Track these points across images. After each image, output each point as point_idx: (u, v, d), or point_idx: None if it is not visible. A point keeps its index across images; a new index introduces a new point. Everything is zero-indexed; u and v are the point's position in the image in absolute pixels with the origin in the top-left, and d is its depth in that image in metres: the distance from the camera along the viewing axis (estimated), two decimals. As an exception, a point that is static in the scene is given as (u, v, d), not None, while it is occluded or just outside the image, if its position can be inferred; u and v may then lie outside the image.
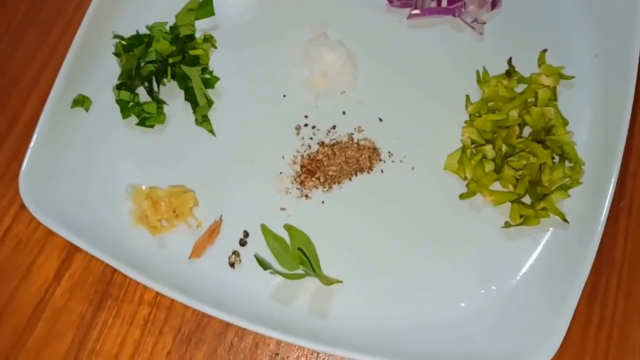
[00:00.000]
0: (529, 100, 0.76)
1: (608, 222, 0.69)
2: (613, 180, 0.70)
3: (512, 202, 0.72)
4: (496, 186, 0.74)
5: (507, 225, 0.72)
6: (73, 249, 0.73)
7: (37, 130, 0.72)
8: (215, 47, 0.80)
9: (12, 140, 0.79)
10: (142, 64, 0.77)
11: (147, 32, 0.79)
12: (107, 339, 0.70)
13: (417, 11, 0.81)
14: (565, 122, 0.75)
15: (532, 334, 0.66)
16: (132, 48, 0.77)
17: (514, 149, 0.73)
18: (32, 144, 0.72)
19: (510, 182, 0.73)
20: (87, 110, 0.76)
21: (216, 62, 0.80)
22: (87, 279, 0.73)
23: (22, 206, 0.71)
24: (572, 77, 0.77)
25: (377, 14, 0.82)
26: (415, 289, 0.70)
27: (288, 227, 0.72)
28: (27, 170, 0.71)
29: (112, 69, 0.78)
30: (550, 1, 0.82)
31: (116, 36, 0.78)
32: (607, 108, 0.75)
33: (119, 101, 0.76)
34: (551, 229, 0.71)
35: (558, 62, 0.78)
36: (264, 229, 0.72)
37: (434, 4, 0.81)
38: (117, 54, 0.78)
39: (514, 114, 0.74)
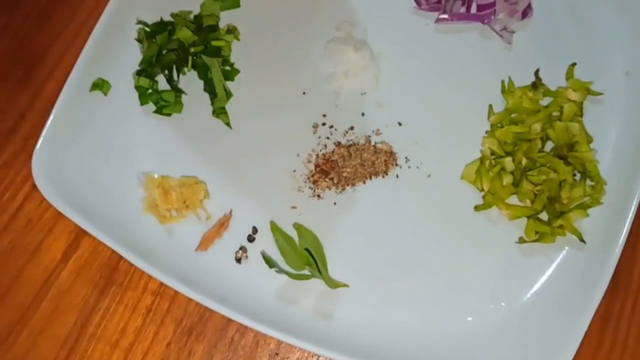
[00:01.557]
0: (554, 114, 0.74)
1: (626, 245, 0.67)
2: (635, 202, 0.68)
3: (529, 217, 0.70)
4: (513, 200, 0.72)
5: (521, 240, 0.70)
6: (82, 232, 0.73)
7: (53, 111, 0.72)
8: (238, 39, 0.79)
9: (32, 117, 0.79)
10: (164, 52, 0.76)
11: (171, 20, 0.79)
12: (108, 325, 0.70)
13: (445, 15, 0.79)
14: (589, 139, 0.72)
15: (539, 354, 0.64)
16: (154, 35, 0.76)
17: (535, 163, 0.71)
18: (47, 125, 0.72)
19: (528, 197, 0.71)
20: (105, 94, 0.76)
21: (238, 55, 0.79)
22: (94, 263, 0.73)
23: (35, 185, 0.71)
24: (600, 94, 0.75)
25: (404, 16, 0.80)
26: (422, 298, 0.69)
27: (297, 226, 0.71)
28: (41, 151, 0.71)
29: (134, 55, 0.78)
30: (583, 14, 0.79)
31: (140, 22, 0.78)
32: (635, 128, 0.73)
33: (137, 87, 0.76)
34: (567, 247, 0.70)
35: (587, 77, 0.75)
36: (273, 226, 0.71)
37: (463, 10, 0.79)
38: (139, 40, 0.78)
39: (537, 127, 0.72)
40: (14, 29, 0.83)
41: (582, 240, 0.69)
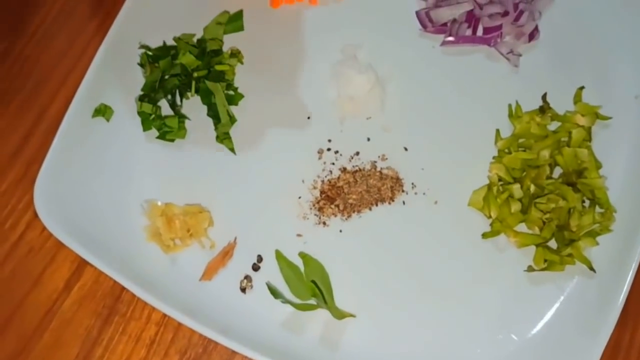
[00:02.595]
0: (562, 139, 0.73)
1: (638, 274, 0.66)
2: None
3: (537, 245, 0.69)
4: (521, 227, 0.71)
5: (530, 269, 0.69)
6: (84, 261, 0.71)
7: (55, 139, 0.71)
8: (242, 62, 0.78)
9: (35, 140, 0.78)
10: (167, 77, 0.75)
11: (174, 44, 0.78)
12: (111, 357, 0.69)
13: (451, 38, 0.78)
14: (598, 165, 0.71)
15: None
16: (157, 59, 0.76)
17: (543, 190, 0.70)
18: (49, 153, 0.71)
19: (536, 225, 0.70)
20: (108, 120, 0.75)
21: (241, 79, 0.78)
22: (97, 293, 0.72)
23: (37, 213, 0.70)
24: (609, 118, 0.74)
25: (409, 38, 0.80)
26: (429, 329, 0.68)
27: (303, 255, 0.70)
28: (42, 180, 0.70)
29: (136, 80, 0.77)
30: (591, 37, 0.78)
31: (142, 46, 0.77)
32: (644, 153, 0.72)
33: (140, 113, 0.75)
34: (577, 276, 0.69)
35: (595, 101, 0.75)
36: (278, 255, 0.70)
37: (469, 32, 0.78)
38: (142, 65, 0.77)
39: (546, 154, 0.71)
40: (17, 52, 0.82)
41: (591, 269, 0.68)
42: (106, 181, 0.73)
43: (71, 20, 0.83)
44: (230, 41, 0.80)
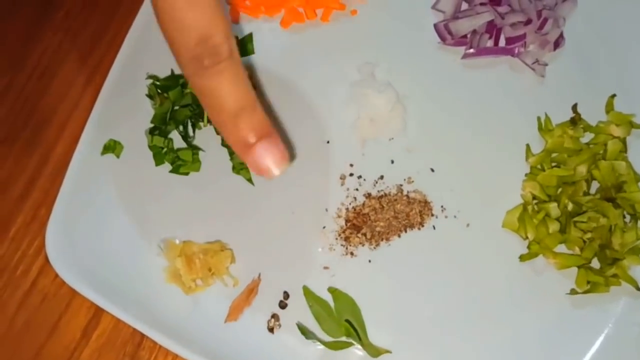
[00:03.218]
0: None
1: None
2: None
3: (579, 266, 0.66)
4: (561, 247, 0.67)
5: (573, 292, 0.66)
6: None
7: (64, 180, 0.68)
8: (255, 87, 0.75)
9: (41, 183, 0.74)
10: (177, 108, 0.72)
11: (180, 70, 0.74)
12: (137, 408, 0.65)
13: (472, 50, 0.74)
14: (637, 178, 0.68)
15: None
16: (166, 90, 0.72)
17: (581, 208, 0.67)
18: (59, 195, 0.67)
19: (576, 244, 0.66)
20: (118, 156, 0.72)
21: (255, 104, 0.75)
22: (116, 340, 0.68)
23: (49, 260, 0.67)
24: (645, 126, 0.70)
25: (429, 52, 0.76)
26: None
27: (332, 290, 0.67)
28: (53, 225, 0.67)
29: (145, 112, 0.73)
30: (618, 42, 0.74)
31: (150, 77, 0.73)
32: (684, 161, 0.69)
33: (152, 147, 0.71)
34: (623, 298, 0.65)
35: (628, 109, 0.71)
36: (306, 292, 0.67)
37: (490, 43, 0.75)
38: (150, 96, 0.73)
39: (583, 169, 0.67)
40: (18, 89, 0.78)
41: (639, 289, 0.64)
42: (119, 221, 0.70)
43: (72, 54, 0.79)
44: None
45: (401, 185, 0.71)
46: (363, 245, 0.69)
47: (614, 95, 0.72)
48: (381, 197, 0.71)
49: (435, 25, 0.75)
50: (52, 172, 0.74)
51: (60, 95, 0.78)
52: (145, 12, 0.75)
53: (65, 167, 0.73)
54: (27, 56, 0.79)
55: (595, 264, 0.66)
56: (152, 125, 0.72)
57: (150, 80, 0.73)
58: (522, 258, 0.67)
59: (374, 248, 0.69)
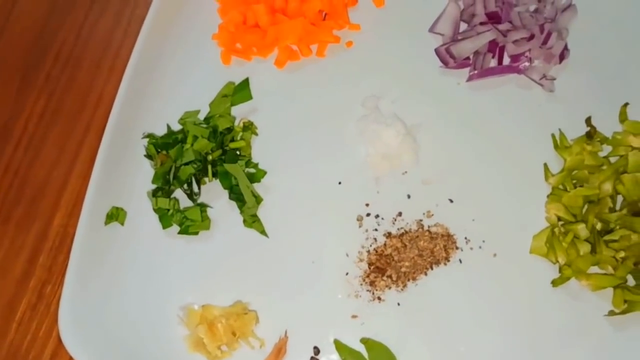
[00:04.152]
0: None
1: None
2: None
3: (615, 287, 0.63)
4: (593, 268, 0.65)
5: (611, 313, 0.64)
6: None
7: (71, 256, 0.65)
8: (256, 134, 0.72)
9: (43, 261, 0.71)
10: (179, 165, 0.68)
11: (176, 124, 0.71)
12: None
13: (476, 72, 0.72)
14: (662, 188, 0.66)
15: None
16: (166, 148, 0.69)
17: (609, 225, 0.65)
18: (67, 274, 0.64)
19: (610, 264, 0.64)
20: (122, 223, 0.68)
21: (259, 151, 0.72)
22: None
23: (61, 340, 0.63)
24: (662, 133, 0.68)
25: (432, 78, 0.74)
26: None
27: (365, 341, 0.64)
28: (65, 305, 0.64)
29: (145, 172, 0.70)
30: (625, 46, 0.73)
31: (147, 136, 0.70)
32: None
33: (157, 210, 0.68)
34: (664, 314, 0.63)
35: (642, 116, 0.69)
36: (338, 345, 0.64)
37: (494, 63, 0.73)
38: (149, 156, 0.70)
39: (608, 187, 0.65)
40: (5, 162, 0.74)
41: (678, 303, 0.62)
42: (132, 293, 0.67)
43: (58, 117, 0.76)
44: (238, 112, 0.73)
45: (421, 220, 0.69)
46: (390, 288, 0.66)
47: (626, 104, 0.70)
48: (402, 235, 0.68)
49: (436, 50, 0.73)
50: (53, 247, 0.71)
51: (52, 163, 0.74)
52: (133, 67, 0.71)
53: (66, 240, 0.71)
54: (12, 126, 0.75)
55: (631, 282, 0.64)
56: (154, 185, 0.69)
57: (148, 140, 0.70)
58: (555, 283, 0.65)
59: (402, 290, 0.66)
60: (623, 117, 0.70)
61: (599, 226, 0.65)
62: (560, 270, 0.65)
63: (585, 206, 0.66)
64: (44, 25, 0.80)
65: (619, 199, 0.67)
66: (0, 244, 0.71)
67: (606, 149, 0.69)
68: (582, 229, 0.65)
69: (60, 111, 0.76)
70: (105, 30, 0.79)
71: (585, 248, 0.65)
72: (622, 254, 0.64)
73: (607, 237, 0.64)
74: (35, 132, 0.75)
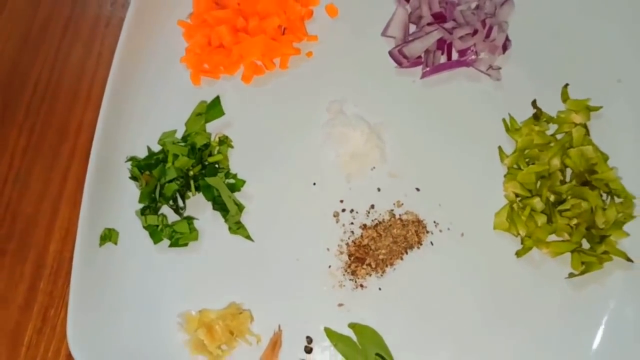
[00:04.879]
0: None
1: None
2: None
3: (572, 251, 0.70)
4: (551, 236, 0.72)
5: (571, 275, 0.70)
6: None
7: (72, 280, 0.68)
8: (232, 146, 0.77)
9: (43, 287, 0.75)
10: (163, 183, 0.73)
11: (156, 145, 0.76)
12: None
13: (428, 69, 0.78)
14: (605, 157, 0.73)
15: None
16: (149, 169, 0.73)
17: (562, 196, 0.71)
18: (70, 298, 0.68)
19: (565, 231, 0.71)
20: (115, 243, 0.72)
21: (236, 162, 0.76)
22: (156, 423, 0.69)
23: (69, 357, 0.67)
24: (600, 108, 0.75)
25: (388, 79, 0.79)
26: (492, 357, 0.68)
27: (352, 326, 0.69)
28: (73, 327, 0.67)
29: (131, 193, 0.74)
30: (560, 32, 0.80)
31: (131, 159, 0.74)
32: (640, 131, 0.74)
33: (147, 227, 0.72)
34: (617, 271, 0.70)
35: (582, 95, 0.76)
36: (328, 332, 0.69)
37: (444, 59, 0.79)
38: (134, 178, 0.74)
39: (556, 161, 0.72)
40: (-4, 197, 0.78)
41: (629, 259, 0.69)
42: (133, 305, 0.71)
43: (41, 150, 0.80)
44: (212, 128, 0.78)
45: (392, 210, 0.74)
46: (370, 275, 0.72)
47: (567, 85, 0.77)
48: (376, 225, 0.74)
49: (390, 52, 0.79)
50: (52, 272, 0.75)
51: (40, 194, 0.78)
52: (110, 96, 0.76)
53: (63, 264, 0.75)
54: (-4, 164, 0.79)
55: (586, 245, 0.71)
56: (141, 204, 0.74)
57: (131, 163, 0.74)
58: (519, 254, 0.71)
59: (381, 275, 0.72)
60: (565, 97, 0.77)
61: (552, 198, 0.72)
62: (522, 242, 0.72)
63: (539, 181, 0.73)
64: (17, 62, 0.83)
65: (568, 171, 0.74)
66: (0, 276, 0.75)
67: (552, 128, 0.76)
68: (537, 203, 0.71)
69: (43, 143, 0.80)
70: (78, 62, 0.83)
71: (542, 219, 0.71)
72: (575, 221, 0.70)
73: (560, 207, 0.71)
74: (20, 166, 0.79)
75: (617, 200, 0.72)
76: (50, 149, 0.80)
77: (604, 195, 0.72)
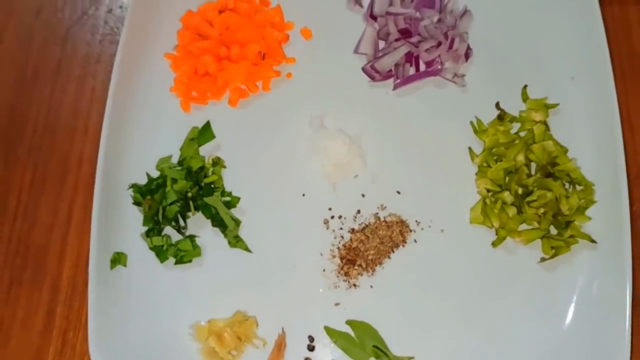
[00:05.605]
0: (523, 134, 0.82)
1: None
2: (624, 189, 0.76)
3: (542, 238, 0.77)
4: (522, 226, 0.79)
5: (542, 260, 0.77)
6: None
7: (89, 304, 0.74)
8: (224, 167, 0.83)
9: (60, 311, 0.80)
10: (165, 206, 0.79)
11: (154, 170, 0.81)
12: None
13: (399, 81, 0.85)
14: (565, 150, 0.80)
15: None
16: (150, 194, 0.79)
17: (528, 189, 0.79)
18: (89, 320, 0.73)
19: (534, 220, 0.78)
20: (125, 265, 0.78)
21: (230, 181, 0.82)
22: None
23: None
24: (557, 105, 0.83)
25: (364, 92, 0.86)
26: (486, 340, 0.75)
27: (349, 322, 0.76)
28: (94, 346, 0.72)
29: (136, 217, 0.80)
30: (516, 38, 0.87)
31: (132, 186, 0.80)
32: (594, 123, 0.81)
33: (153, 248, 0.78)
34: (583, 251, 0.77)
35: (540, 94, 0.83)
36: (328, 331, 0.76)
37: (413, 70, 0.86)
38: (137, 203, 0.80)
39: (521, 157, 0.79)
40: (8, 232, 0.83)
41: (592, 241, 0.76)
42: (146, 321, 0.76)
43: (46, 184, 0.85)
44: (205, 150, 0.84)
45: (377, 213, 0.81)
46: (362, 275, 0.79)
47: (526, 86, 0.84)
48: (363, 228, 0.80)
49: (362, 68, 0.86)
50: (67, 297, 0.80)
51: (49, 225, 0.83)
52: (107, 129, 0.81)
53: (77, 289, 0.80)
54: (6, 201, 0.84)
55: (554, 231, 0.78)
56: (145, 227, 0.79)
57: (132, 189, 0.80)
58: (494, 244, 0.79)
59: (372, 274, 0.79)
60: (525, 97, 0.84)
61: (520, 191, 0.79)
62: (496, 233, 0.79)
63: (507, 177, 0.80)
64: (15, 105, 0.88)
65: (533, 166, 0.81)
66: (18, 304, 0.80)
67: (516, 127, 0.83)
68: (507, 196, 0.78)
69: (47, 178, 0.85)
70: (73, 99, 0.88)
71: (512, 211, 0.78)
72: (542, 210, 0.78)
73: (528, 199, 0.78)
74: (28, 200, 0.84)
75: (578, 188, 0.79)
76: (55, 182, 0.85)
77: (567, 185, 0.79)
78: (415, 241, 0.80)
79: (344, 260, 0.79)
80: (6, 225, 0.83)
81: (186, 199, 0.79)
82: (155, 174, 0.82)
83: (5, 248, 0.82)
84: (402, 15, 0.85)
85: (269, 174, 0.83)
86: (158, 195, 0.79)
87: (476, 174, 0.81)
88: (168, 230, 0.80)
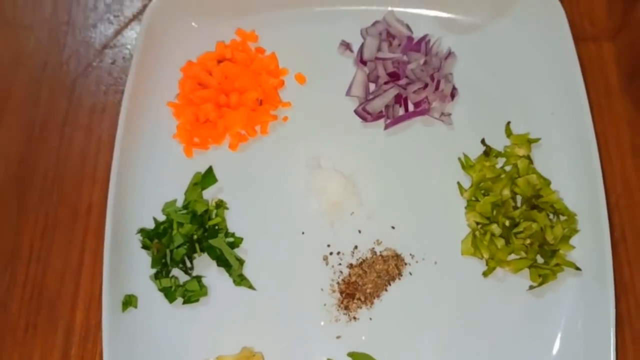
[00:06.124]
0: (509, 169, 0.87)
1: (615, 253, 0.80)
2: (604, 217, 0.80)
3: (529, 267, 0.82)
4: (511, 255, 0.84)
5: (531, 287, 0.82)
6: None
7: (104, 345, 0.77)
8: (227, 209, 0.87)
9: (74, 352, 0.83)
10: (172, 249, 0.83)
11: (160, 214, 0.86)
12: None
13: (390, 121, 0.90)
14: (548, 182, 0.85)
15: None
16: (158, 237, 0.83)
17: (515, 220, 0.83)
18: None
19: (522, 250, 0.83)
20: (135, 307, 0.82)
21: (233, 222, 0.87)
22: None
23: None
24: (539, 140, 0.88)
25: (357, 133, 0.91)
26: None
27: (351, 354, 0.80)
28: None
29: (144, 260, 0.84)
30: (498, 77, 0.92)
31: (141, 230, 0.84)
32: (576, 156, 0.86)
33: (162, 289, 0.82)
34: (569, 279, 0.82)
35: (522, 129, 0.89)
36: (332, 363, 0.80)
37: (402, 111, 0.91)
38: (145, 247, 0.84)
39: (507, 192, 0.84)
40: (22, 278, 0.87)
41: (577, 268, 0.81)
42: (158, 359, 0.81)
43: (57, 229, 0.89)
44: (208, 194, 0.88)
45: (373, 248, 0.86)
46: (361, 308, 0.83)
47: (509, 122, 0.89)
48: (361, 263, 0.85)
49: (355, 111, 0.91)
50: (80, 339, 0.84)
51: (61, 270, 0.87)
52: (115, 177, 0.85)
53: (90, 330, 0.84)
54: (19, 248, 0.88)
55: (540, 260, 0.83)
56: (154, 269, 0.83)
57: (141, 234, 0.84)
58: (485, 274, 0.83)
59: (370, 307, 0.83)
60: (508, 133, 0.89)
61: (507, 223, 0.83)
62: (486, 263, 0.83)
63: (494, 210, 0.84)
64: (25, 157, 0.92)
65: (518, 198, 0.86)
66: (35, 347, 0.83)
67: (501, 161, 0.88)
68: (495, 228, 0.83)
69: (58, 225, 0.89)
70: (80, 148, 0.93)
71: (501, 242, 0.83)
72: (528, 241, 0.82)
73: (515, 230, 0.83)
74: (41, 247, 0.88)
75: (562, 218, 0.84)
76: (65, 229, 0.89)
77: (551, 215, 0.84)
78: (411, 274, 0.84)
79: (343, 295, 0.83)
80: (21, 271, 0.87)
81: (192, 241, 0.84)
82: (161, 217, 0.86)
83: (20, 293, 0.86)
84: (390, 60, 0.91)
85: (269, 214, 0.87)
86: (165, 239, 0.83)
87: (465, 207, 0.86)
88: (176, 271, 0.84)
